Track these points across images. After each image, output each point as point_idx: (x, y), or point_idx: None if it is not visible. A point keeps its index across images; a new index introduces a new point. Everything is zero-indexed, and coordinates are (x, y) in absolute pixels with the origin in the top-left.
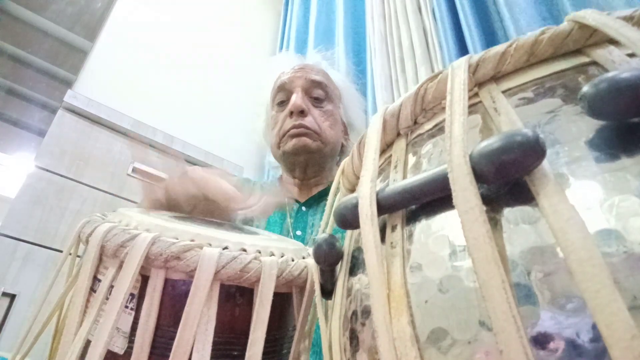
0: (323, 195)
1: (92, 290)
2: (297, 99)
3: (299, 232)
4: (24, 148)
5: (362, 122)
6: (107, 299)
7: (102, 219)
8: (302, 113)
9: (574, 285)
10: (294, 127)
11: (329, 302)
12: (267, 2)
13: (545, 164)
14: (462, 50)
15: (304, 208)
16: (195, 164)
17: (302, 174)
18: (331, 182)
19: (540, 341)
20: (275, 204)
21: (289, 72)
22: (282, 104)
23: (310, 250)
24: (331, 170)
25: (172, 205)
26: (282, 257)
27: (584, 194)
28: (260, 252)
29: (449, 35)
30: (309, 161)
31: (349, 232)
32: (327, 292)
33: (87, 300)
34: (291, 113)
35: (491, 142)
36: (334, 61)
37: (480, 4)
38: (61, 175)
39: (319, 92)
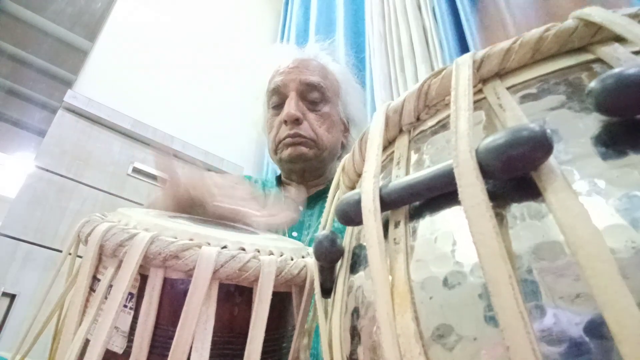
0: (321, 195)
1: (92, 289)
2: (290, 107)
3: (294, 234)
4: (24, 148)
5: (362, 115)
6: (106, 298)
7: (102, 218)
8: (296, 121)
9: (582, 281)
10: (289, 135)
11: (328, 300)
12: (267, 1)
13: (552, 159)
14: (463, 49)
15: (300, 208)
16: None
17: (300, 178)
18: (330, 182)
19: (547, 337)
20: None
21: (282, 70)
22: (277, 107)
23: (310, 249)
24: (331, 171)
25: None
26: (281, 256)
27: (591, 190)
28: (259, 251)
29: (450, 34)
30: (306, 168)
31: (349, 229)
32: (326, 290)
33: (87, 300)
34: (285, 121)
35: (498, 137)
36: (333, 50)
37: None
38: (61, 175)
39: (315, 95)
